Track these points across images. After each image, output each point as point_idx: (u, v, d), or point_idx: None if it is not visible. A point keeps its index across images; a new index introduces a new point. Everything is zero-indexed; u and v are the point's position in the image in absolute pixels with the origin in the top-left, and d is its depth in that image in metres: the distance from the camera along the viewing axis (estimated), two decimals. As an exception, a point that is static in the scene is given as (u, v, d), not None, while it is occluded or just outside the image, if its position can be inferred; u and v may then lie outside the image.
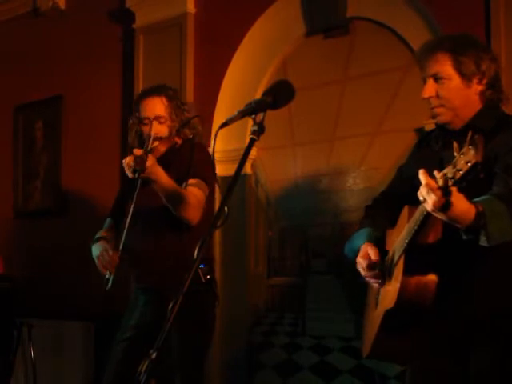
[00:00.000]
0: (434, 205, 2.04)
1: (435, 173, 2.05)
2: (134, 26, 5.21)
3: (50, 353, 5.07)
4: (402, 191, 2.77)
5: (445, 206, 2.03)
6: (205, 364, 3.44)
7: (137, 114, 3.53)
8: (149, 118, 3.44)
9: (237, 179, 2.06)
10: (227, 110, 4.69)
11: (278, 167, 4.67)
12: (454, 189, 2.03)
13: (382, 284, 2.59)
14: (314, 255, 4.47)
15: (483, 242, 2.15)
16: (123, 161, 3.20)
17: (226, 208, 1.98)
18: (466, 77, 2.50)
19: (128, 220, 3.30)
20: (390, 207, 2.75)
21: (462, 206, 2.07)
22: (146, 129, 3.44)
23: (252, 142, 2.10)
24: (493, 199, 2.20)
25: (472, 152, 1.89)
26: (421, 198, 2.10)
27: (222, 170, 4.36)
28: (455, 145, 1.96)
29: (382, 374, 4.00)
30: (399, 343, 2.49)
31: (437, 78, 2.50)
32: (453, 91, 2.50)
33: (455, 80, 2.50)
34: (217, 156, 4.51)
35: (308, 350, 4.42)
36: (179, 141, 3.51)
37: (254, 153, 4.60)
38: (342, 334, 4.16)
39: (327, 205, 4.44)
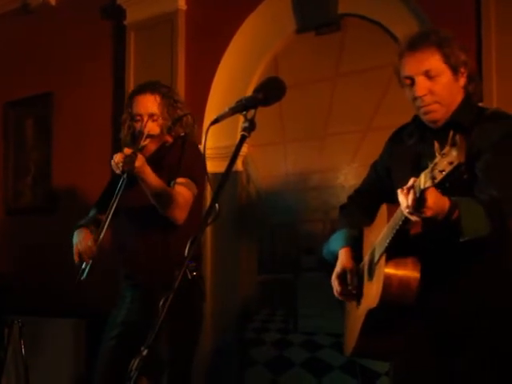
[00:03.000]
0: (407, 206, 2.06)
1: (411, 180, 2.06)
2: (125, 22, 5.20)
3: (41, 350, 5.06)
4: (376, 188, 2.79)
5: (419, 203, 2.04)
6: (193, 361, 3.44)
7: (129, 109, 3.52)
8: (141, 115, 3.43)
9: (228, 176, 2.07)
10: (218, 107, 4.68)
11: (269, 164, 4.67)
12: (431, 197, 2.05)
13: (357, 302, 2.62)
14: (305, 252, 4.47)
15: (458, 237, 2.16)
16: (113, 158, 3.18)
17: (216, 205, 1.98)
18: (454, 69, 2.50)
19: (109, 216, 3.29)
20: (365, 205, 2.77)
21: (435, 197, 2.07)
22: (137, 125, 3.44)
23: (243, 139, 2.11)
24: (468, 198, 2.22)
25: (455, 153, 1.87)
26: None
27: (213, 166, 4.34)
28: (436, 144, 1.94)
29: (373, 370, 4.01)
30: (382, 342, 2.50)
31: (429, 75, 2.48)
32: (446, 86, 2.49)
33: (447, 74, 2.49)
34: (208, 153, 4.45)
35: (299, 346, 4.43)
36: (170, 139, 3.51)
37: (245, 149, 4.60)
38: (333, 331, 4.16)
39: (318, 201, 4.44)
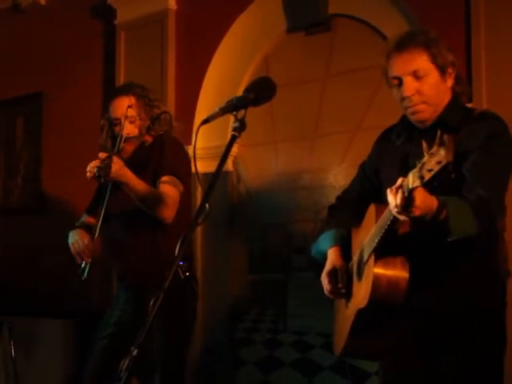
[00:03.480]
0: (396, 205, 2.06)
1: (400, 180, 2.06)
2: (116, 22, 5.19)
3: (31, 351, 5.04)
4: (365, 188, 2.79)
5: (407, 202, 2.04)
6: (185, 360, 3.44)
7: (107, 115, 3.53)
8: (119, 118, 3.43)
9: (218, 176, 2.06)
10: (209, 107, 4.68)
11: (260, 164, 4.67)
12: (419, 197, 2.05)
13: (347, 300, 2.62)
14: (296, 252, 4.47)
15: (446, 236, 2.17)
16: (88, 165, 3.15)
17: (207, 205, 1.98)
18: (442, 69, 2.50)
19: (101, 215, 3.29)
20: (353, 205, 2.77)
21: (423, 196, 2.07)
22: (116, 129, 3.44)
23: (233, 139, 2.11)
24: (456, 198, 2.22)
25: (443, 152, 1.88)
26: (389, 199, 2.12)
27: (204, 166, 4.35)
28: (424, 144, 1.95)
29: (363, 370, 4.01)
30: (372, 342, 2.50)
31: (417, 76, 2.49)
32: (434, 86, 2.50)
33: (434, 74, 2.50)
34: (198, 153, 4.47)
35: (289, 346, 4.43)
36: (150, 138, 3.50)
37: (235, 149, 4.60)
38: (324, 331, 4.16)
39: (309, 201, 4.44)
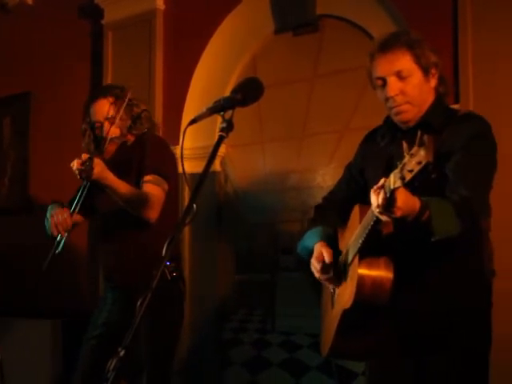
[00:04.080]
0: (377, 205, 2.07)
1: (382, 180, 2.06)
2: (103, 22, 5.19)
3: (18, 351, 5.02)
4: (351, 189, 2.79)
5: (389, 203, 2.05)
6: (172, 361, 3.44)
7: (87, 119, 3.53)
8: (99, 121, 3.43)
9: (205, 176, 2.06)
10: (196, 107, 4.67)
11: (247, 164, 4.67)
12: (400, 197, 2.04)
13: (337, 285, 2.60)
14: (283, 252, 4.48)
15: (429, 236, 2.17)
16: (71, 164, 3.15)
17: (194, 205, 1.98)
18: (425, 70, 2.51)
19: (83, 193, 3.29)
20: (339, 206, 2.76)
21: (405, 197, 2.08)
22: (98, 132, 3.45)
23: (221, 139, 2.10)
24: (439, 199, 2.23)
25: (422, 152, 1.88)
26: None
27: (191, 167, 4.35)
28: (405, 145, 1.95)
29: (350, 370, 4.02)
30: (358, 342, 2.50)
31: (401, 76, 2.49)
32: (417, 87, 2.51)
33: (417, 74, 2.51)
34: (185, 153, 4.50)
35: (277, 346, 4.44)
36: (132, 138, 3.50)
37: (223, 150, 4.60)
38: (311, 331, 4.17)
39: (296, 202, 4.45)
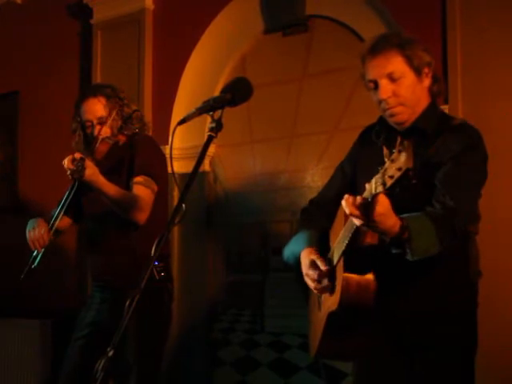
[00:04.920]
0: (358, 223, 2.07)
1: (366, 185, 2.06)
2: (92, 21, 5.17)
3: (7, 351, 5.01)
4: (344, 188, 2.75)
5: (370, 207, 2.05)
6: (161, 361, 3.43)
7: (78, 118, 3.51)
8: (90, 121, 3.42)
9: (195, 176, 2.06)
10: (186, 107, 4.67)
11: (237, 164, 4.67)
12: (381, 203, 2.04)
13: (331, 292, 2.56)
14: (273, 252, 4.48)
15: (408, 256, 2.18)
16: (63, 162, 3.14)
17: (183, 205, 1.98)
18: (417, 70, 2.50)
19: (63, 208, 3.30)
20: (329, 207, 2.71)
21: (386, 203, 2.08)
22: (89, 132, 3.44)
23: (210, 139, 2.11)
24: (421, 216, 2.22)
25: (402, 158, 1.88)
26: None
27: (180, 167, 4.34)
28: (385, 150, 1.96)
29: (339, 370, 4.03)
30: (344, 343, 2.51)
31: (392, 78, 2.48)
32: (410, 88, 2.50)
33: (410, 76, 2.50)
34: (175, 153, 4.50)
35: (266, 346, 4.44)
36: (123, 138, 3.49)
37: (212, 150, 4.60)
38: (301, 331, 4.17)
39: (286, 202, 4.45)
